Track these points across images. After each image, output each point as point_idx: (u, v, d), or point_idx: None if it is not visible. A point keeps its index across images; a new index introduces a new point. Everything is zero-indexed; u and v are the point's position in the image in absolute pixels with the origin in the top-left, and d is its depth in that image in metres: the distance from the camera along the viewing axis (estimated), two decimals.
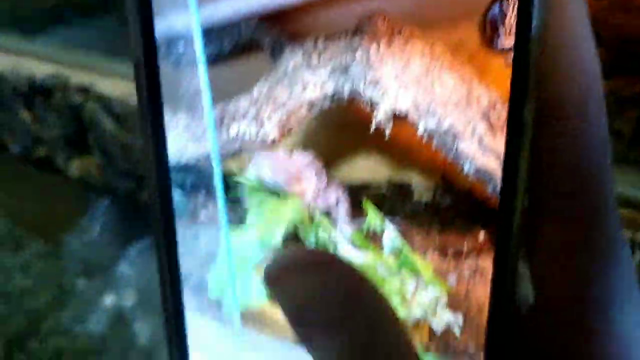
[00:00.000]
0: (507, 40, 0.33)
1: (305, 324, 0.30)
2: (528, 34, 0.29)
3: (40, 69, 1.60)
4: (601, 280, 0.33)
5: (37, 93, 1.61)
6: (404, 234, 0.42)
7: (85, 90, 1.48)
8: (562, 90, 0.31)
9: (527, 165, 0.32)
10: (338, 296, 0.29)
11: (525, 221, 0.33)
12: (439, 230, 0.41)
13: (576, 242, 0.32)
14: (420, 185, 0.43)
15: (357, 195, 0.44)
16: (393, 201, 0.44)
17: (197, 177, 0.43)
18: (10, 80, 1.62)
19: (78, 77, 1.52)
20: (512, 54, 0.29)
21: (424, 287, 0.38)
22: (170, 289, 0.38)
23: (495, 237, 0.34)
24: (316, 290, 0.30)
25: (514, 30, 0.29)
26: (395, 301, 0.38)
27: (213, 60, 0.47)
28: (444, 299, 0.38)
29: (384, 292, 0.33)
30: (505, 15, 0.32)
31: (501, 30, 0.33)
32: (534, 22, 0.29)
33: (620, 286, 0.33)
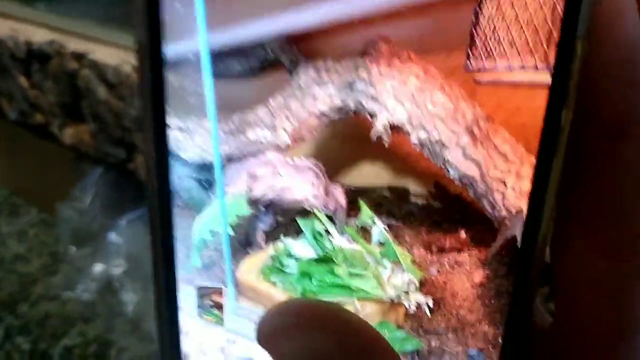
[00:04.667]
0: (475, 62, 0.38)
1: None
2: (572, 41, 0.29)
3: (38, 35, 1.60)
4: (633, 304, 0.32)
5: (35, 59, 1.60)
6: (398, 231, 0.48)
7: (80, 57, 1.48)
8: (604, 98, 0.30)
9: (559, 174, 0.28)
10: (338, 353, 0.26)
11: (554, 230, 0.32)
12: (428, 229, 0.47)
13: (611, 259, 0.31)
14: (416, 189, 0.49)
15: (359, 196, 0.50)
16: (392, 203, 0.50)
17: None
18: (9, 46, 1.62)
19: (74, 44, 1.52)
20: (481, 75, 0.35)
21: (400, 273, 0.44)
22: (163, 262, 0.40)
23: (521, 246, 0.33)
24: (314, 349, 0.26)
25: (482, 52, 0.34)
26: (373, 283, 0.44)
27: (243, 74, 0.54)
28: (416, 284, 0.44)
29: (383, 337, 0.31)
30: (474, 38, 0.38)
31: (472, 52, 0.39)
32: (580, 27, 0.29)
33: None
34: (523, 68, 0.38)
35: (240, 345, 0.46)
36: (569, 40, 0.26)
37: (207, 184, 0.52)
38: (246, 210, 0.48)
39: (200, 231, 0.48)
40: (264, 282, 0.47)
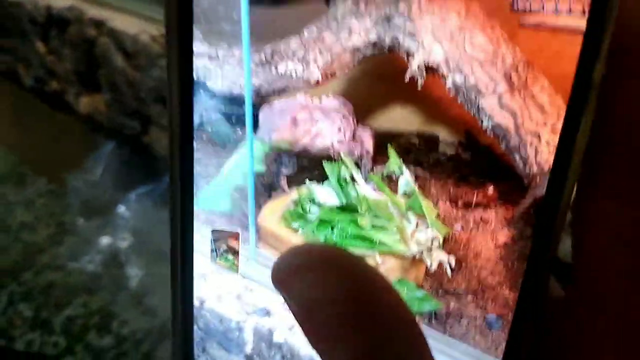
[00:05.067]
0: (521, 2, 0.35)
1: (315, 326, 0.29)
2: None
3: (57, 1, 1.60)
4: None
5: (53, 25, 1.60)
6: (425, 182, 0.45)
7: (99, 25, 1.47)
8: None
9: (588, 134, 0.29)
10: (349, 296, 0.28)
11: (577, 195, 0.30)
12: (455, 182, 0.44)
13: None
14: (446, 138, 0.46)
15: (388, 141, 0.47)
16: (420, 151, 0.47)
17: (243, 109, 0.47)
18: (28, 9, 1.62)
19: (94, 11, 1.51)
20: (526, 16, 0.31)
21: (424, 229, 0.41)
22: (181, 194, 0.39)
23: (540, 210, 0.32)
24: (326, 290, 0.28)
25: None
26: (396, 237, 0.41)
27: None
28: (440, 241, 0.41)
29: (396, 290, 0.31)
30: None
31: None
32: None
33: None
34: (570, 12, 0.34)
35: (257, 293, 0.45)
36: None
37: (236, 120, 0.50)
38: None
39: (231, 173, 0.46)
40: (284, 228, 0.45)
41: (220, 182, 0.46)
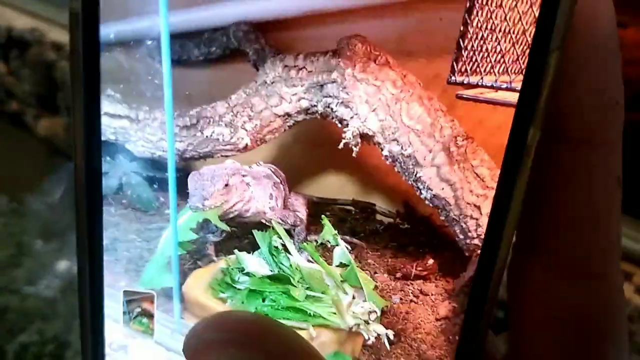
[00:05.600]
0: (459, 76, 0.34)
1: None
2: (546, 53, 0.27)
3: (20, 21, 1.57)
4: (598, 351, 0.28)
5: (15, 45, 1.58)
6: (361, 252, 0.43)
7: (59, 48, 1.45)
8: (576, 114, 0.28)
9: (522, 195, 0.28)
10: None
11: (513, 257, 0.30)
12: (393, 252, 0.43)
13: (572, 290, 0.29)
14: (383, 207, 0.45)
15: (322, 210, 0.45)
16: (356, 220, 0.46)
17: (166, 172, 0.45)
18: None
19: (55, 34, 1.48)
20: (464, 90, 0.31)
21: (361, 301, 0.40)
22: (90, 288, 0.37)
23: (476, 270, 0.31)
24: None
25: (469, 66, 0.31)
26: (331, 310, 0.39)
27: (201, 62, 0.49)
28: (378, 313, 0.40)
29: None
30: (461, 49, 0.34)
31: (457, 64, 0.35)
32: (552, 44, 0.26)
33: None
34: (510, 86, 0.34)
35: None
36: (542, 52, 0.26)
37: (159, 184, 0.47)
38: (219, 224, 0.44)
39: (165, 246, 0.44)
40: (212, 298, 0.43)
41: (157, 258, 0.43)
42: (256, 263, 0.43)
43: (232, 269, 0.43)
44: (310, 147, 0.47)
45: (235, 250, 0.43)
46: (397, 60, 0.40)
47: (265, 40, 0.46)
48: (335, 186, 0.46)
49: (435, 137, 0.38)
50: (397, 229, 0.42)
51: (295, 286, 0.41)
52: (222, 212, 0.44)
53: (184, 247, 0.44)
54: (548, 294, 0.29)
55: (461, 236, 0.38)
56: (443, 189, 0.39)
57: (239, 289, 0.42)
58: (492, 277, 0.30)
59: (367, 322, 0.39)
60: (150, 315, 0.41)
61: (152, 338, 0.41)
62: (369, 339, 0.39)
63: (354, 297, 0.40)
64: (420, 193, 0.39)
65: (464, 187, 0.38)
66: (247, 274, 0.43)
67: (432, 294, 0.40)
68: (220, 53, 0.48)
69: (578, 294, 0.28)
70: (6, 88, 1.57)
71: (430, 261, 0.40)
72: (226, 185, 0.43)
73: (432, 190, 0.39)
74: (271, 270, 0.42)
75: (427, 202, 0.39)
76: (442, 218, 0.39)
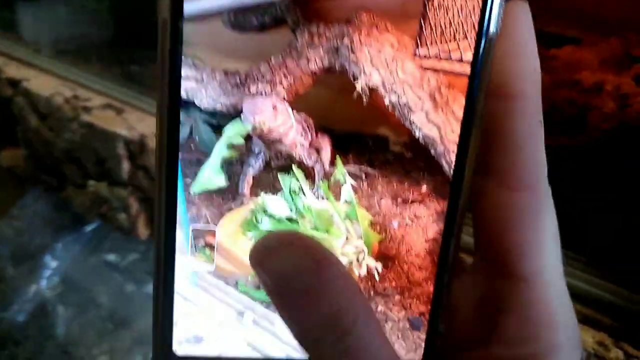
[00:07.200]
0: (423, 49, 0.44)
1: (283, 293, 0.36)
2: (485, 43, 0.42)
3: None
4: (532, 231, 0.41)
5: None
6: (374, 181, 0.53)
7: (15, 84, 1.49)
8: (510, 79, 0.41)
9: (478, 141, 0.44)
10: (309, 268, 0.36)
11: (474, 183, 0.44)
12: (399, 179, 0.53)
13: (516, 200, 0.41)
14: (394, 139, 0.55)
15: (343, 148, 0.55)
16: (373, 151, 0.56)
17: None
18: None
19: (11, 70, 1.52)
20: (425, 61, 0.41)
21: (355, 239, 0.49)
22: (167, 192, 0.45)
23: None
24: (291, 264, 0.36)
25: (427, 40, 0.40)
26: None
27: (258, 28, 0.60)
28: (366, 252, 0.49)
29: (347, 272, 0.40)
30: (422, 27, 0.43)
31: (420, 40, 0.45)
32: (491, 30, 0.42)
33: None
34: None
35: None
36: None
37: (216, 128, 0.58)
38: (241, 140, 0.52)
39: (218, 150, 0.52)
40: (240, 239, 0.49)
41: (211, 162, 0.51)
42: (278, 204, 0.51)
43: (257, 210, 0.50)
44: (333, 96, 0.57)
45: (262, 192, 0.51)
46: (395, 25, 0.49)
47: (300, 11, 0.56)
48: (354, 126, 0.56)
49: (423, 88, 0.48)
50: (404, 158, 0.51)
51: (304, 227, 0.50)
52: (267, 129, 0.52)
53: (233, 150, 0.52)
54: (497, 201, 0.42)
55: (446, 167, 0.48)
56: (431, 130, 0.48)
57: (262, 230, 0.50)
58: (462, 187, 0.44)
59: (357, 260, 0.49)
60: (211, 247, 0.48)
61: (213, 264, 0.49)
62: (360, 274, 0.49)
63: (347, 239, 0.49)
64: (415, 133, 0.49)
65: (446, 128, 0.47)
66: (269, 216, 0.50)
67: (423, 217, 0.50)
68: (272, 22, 0.59)
69: (515, 198, 0.41)
70: None
71: (424, 187, 0.50)
72: (275, 107, 0.53)
73: (422, 130, 0.48)
74: (290, 212, 0.50)
75: (420, 140, 0.49)
76: (432, 153, 0.48)
